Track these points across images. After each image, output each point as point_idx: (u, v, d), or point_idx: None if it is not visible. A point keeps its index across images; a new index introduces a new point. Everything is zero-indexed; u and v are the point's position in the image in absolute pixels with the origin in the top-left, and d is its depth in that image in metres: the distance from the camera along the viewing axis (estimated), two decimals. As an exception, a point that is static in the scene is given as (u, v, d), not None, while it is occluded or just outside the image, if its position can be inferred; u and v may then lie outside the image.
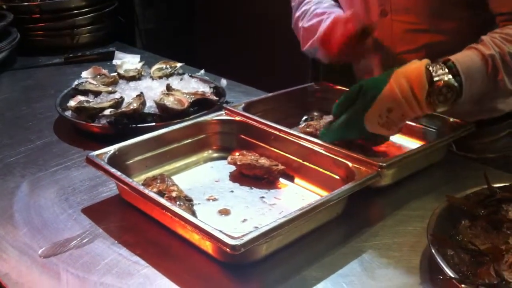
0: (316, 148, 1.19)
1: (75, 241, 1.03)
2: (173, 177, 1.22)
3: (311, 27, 1.48)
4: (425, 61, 1.15)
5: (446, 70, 1.14)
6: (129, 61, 1.86)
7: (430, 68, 1.14)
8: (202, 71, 1.79)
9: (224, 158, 1.28)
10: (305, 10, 1.53)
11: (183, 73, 1.74)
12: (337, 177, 1.15)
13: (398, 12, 1.36)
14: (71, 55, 2.13)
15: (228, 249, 0.86)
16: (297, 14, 1.56)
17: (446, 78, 1.13)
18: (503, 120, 1.46)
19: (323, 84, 1.55)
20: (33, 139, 1.46)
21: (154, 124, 1.40)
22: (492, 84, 1.19)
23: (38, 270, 0.96)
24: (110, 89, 1.61)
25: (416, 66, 1.15)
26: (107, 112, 1.44)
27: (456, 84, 1.13)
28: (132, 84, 1.65)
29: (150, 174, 1.20)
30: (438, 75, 1.13)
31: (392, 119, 1.16)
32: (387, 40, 1.40)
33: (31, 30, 2.27)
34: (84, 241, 1.03)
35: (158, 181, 1.13)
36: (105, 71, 1.76)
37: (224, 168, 1.26)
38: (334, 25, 1.34)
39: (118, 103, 1.49)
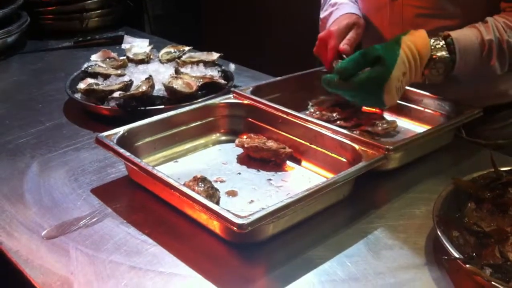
0: (323, 131, 1.20)
1: (84, 220, 1.04)
2: (182, 159, 1.24)
3: (324, 18, 1.53)
4: (425, 32, 1.21)
5: (444, 46, 1.21)
6: (138, 45, 1.86)
7: (431, 42, 1.20)
8: (211, 55, 1.79)
9: (232, 141, 1.29)
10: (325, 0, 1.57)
11: (192, 57, 1.74)
12: (344, 159, 1.15)
13: None
14: (80, 39, 2.14)
15: (235, 228, 0.87)
16: (322, 1, 1.60)
17: (442, 54, 1.20)
18: None
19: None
20: (43, 121, 1.48)
21: (162, 106, 1.41)
22: (484, 67, 1.24)
23: (48, 248, 0.97)
24: (119, 72, 1.62)
25: (421, 35, 1.20)
26: (116, 94, 1.45)
27: (450, 61, 1.20)
28: (141, 67, 1.66)
29: (158, 155, 1.22)
30: (436, 50, 1.20)
31: (403, 84, 1.18)
32: (397, 24, 1.40)
33: (41, 13, 2.28)
34: (93, 220, 1.04)
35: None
36: (114, 55, 1.77)
37: (232, 150, 1.27)
38: (324, 38, 1.36)
39: (127, 85, 1.50)
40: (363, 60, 1.17)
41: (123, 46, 1.91)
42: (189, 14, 3.17)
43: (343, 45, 1.33)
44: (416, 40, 1.19)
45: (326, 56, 1.35)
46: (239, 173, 1.19)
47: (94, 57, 1.76)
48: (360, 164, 1.06)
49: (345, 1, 1.50)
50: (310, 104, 1.42)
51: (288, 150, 1.22)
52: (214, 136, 1.33)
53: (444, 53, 1.20)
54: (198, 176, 1.08)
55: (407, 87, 1.37)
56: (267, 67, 1.81)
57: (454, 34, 1.22)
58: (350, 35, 1.35)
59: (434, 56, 1.19)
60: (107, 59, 1.74)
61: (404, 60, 1.16)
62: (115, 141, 1.14)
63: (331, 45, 1.33)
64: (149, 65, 1.69)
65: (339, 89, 1.21)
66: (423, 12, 1.35)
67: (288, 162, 1.22)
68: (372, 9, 1.48)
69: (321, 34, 1.38)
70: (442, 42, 1.21)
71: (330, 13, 1.48)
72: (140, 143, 1.21)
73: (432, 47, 1.20)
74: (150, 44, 1.91)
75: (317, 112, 1.36)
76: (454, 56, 1.20)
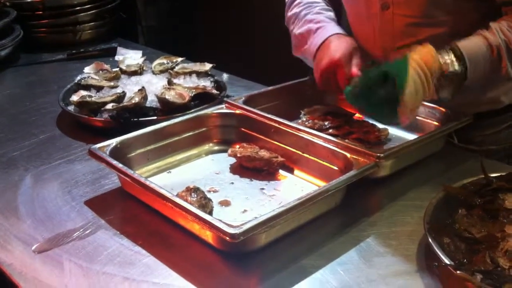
0: (315, 140, 1.20)
1: (77, 232, 1.05)
2: (175, 170, 1.25)
3: (300, 35, 1.49)
4: (431, 46, 1.19)
5: (452, 56, 1.20)
6: (131, 57, 1.87)
7: (438, 55, 1.19)
8: (204, 66, 1.80)
9: (225, 150, 1.29)
10: (295, 13, 1.53)
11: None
12: (335, 168, 1.16)
13: (399, 5, 1.36)
14: (73, 51, 2.14)
15: (227, 238, 0.88)
16: (289, 14, 1.57)
17: (452, 64, 1.19)
18: (504, 112, 1.46)
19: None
20: (37, 133, 1.48)
21: (155, 117, 1.42)
22: (495, 70, 1.23)
23: (42, 261, 0.98)
24: (112, 84, 1.63)
25: (428, 51, 1.18)
26: (109, 106, 1.45)
27: (461, 69, 1.19)
28: (133, 79, 1.67)
29: (152, 166, 1.23)
30: (445, 61, 1.19)
31: (418, 103, 1.17)
32: (387, 34, 1.41)
33: (34, 26, 2.28)
34: (87, 232, 1.05)
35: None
36: (107, 67, 1.77)
37: (224, 160, 1.28)
38: (332, 67, 1.34)
39: (120, 97, 1.50)
40: (375, 79, 1.18)
41: (116, 58, 1.93)
42: (183, 24, 3.18)
43: (356, 71, 1.30)
44: (424, 57, 1.16)
45: (336, 85, 1.34)
46: (232, 183, 1.20)
47: (87, 69, 1.77)
48: (352, 172, 1.07)
49: (323, 17, 1.47)
50: (302, 113, 1.42)
51: (280, 159, 1.22)
52: (207, 146, 1.34)
53: (453, 62, 1.19)
54: (191, 186, 1.09)
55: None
56: (260, 76, 1.82)
57: (460, 43, 1.21)
58: (356, 60, 1.33)
59: (445, 72, 1.18)
60: (100, 71, 1.74)
61: (415, 79, 1.14)
62: (108, 152, 1.14)
63: (342, 73, 1.31)
64: (142, 76, 1.70)
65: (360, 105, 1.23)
66: (414, 21, 1.36)
67: (281, 171, 1.23)
68: (361, 18, 1.47)
69: (325, 64, 1.34)
70: (450, 52, 1.20)
71: (310, 31, 1.45)
72: (133, 154, 1.22)
73: (441, 59, 1.18)
74: (143, 55, 1.92)
75: (309, 121, 1.37)
76: (464, 63, 1.19)
